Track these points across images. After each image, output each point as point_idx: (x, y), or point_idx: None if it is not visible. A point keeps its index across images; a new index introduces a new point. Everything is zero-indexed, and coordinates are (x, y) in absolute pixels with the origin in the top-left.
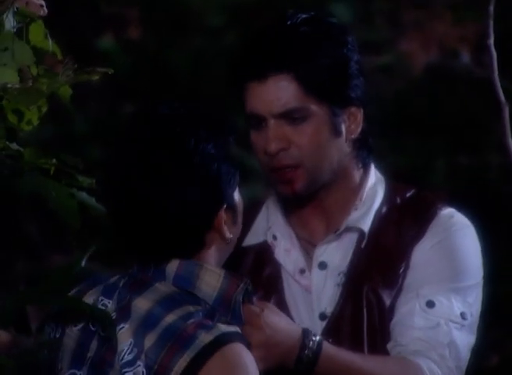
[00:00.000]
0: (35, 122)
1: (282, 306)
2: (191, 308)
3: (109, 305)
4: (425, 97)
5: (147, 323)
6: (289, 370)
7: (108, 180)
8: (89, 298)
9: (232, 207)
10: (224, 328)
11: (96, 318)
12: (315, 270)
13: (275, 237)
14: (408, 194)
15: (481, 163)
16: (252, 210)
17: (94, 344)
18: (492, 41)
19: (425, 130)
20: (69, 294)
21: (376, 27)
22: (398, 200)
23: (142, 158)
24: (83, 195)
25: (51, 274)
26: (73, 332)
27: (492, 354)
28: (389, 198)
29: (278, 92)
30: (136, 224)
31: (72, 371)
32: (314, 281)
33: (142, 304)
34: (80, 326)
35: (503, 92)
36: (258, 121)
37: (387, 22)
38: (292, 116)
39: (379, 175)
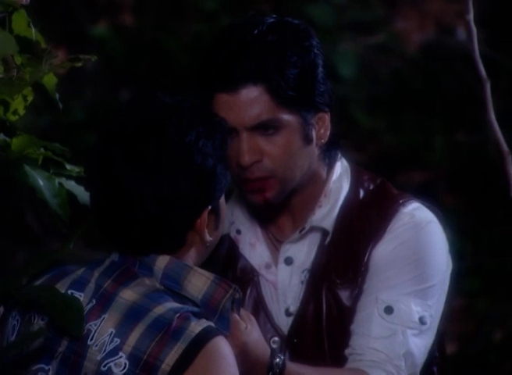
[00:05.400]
0: (21, 112)
1: (260, 299)
2: (179, 304)
3: (81, 298)
4: (422, 75)
5: (135, 313)
6: None
7: (96, 167)
8: None
9: (216, 211)
10: (208, 322)
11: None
12: (281, 265)
13: (239, 232)
14: (371, 187)
15: (480, 140)
16: None
17: (66, 339)
18: (471, 16)
19: (423, 108)
20: (36, 283)
21: (371, 6)
22: (361, 193)
23: (137, 146)
24: (72, 184)
25: (37, 259)
26: (39, 325)
27: (496, 328)
28: (353, 192)
29: (250, 104)
30: (118, 214)
31: (40, 366)
32: (279, 277)
33: (128, 295)
34: (47, 319)
35: (498, 66)
36: None
37: (382, 1)
38: (265, 128)
39: (345, 163)
